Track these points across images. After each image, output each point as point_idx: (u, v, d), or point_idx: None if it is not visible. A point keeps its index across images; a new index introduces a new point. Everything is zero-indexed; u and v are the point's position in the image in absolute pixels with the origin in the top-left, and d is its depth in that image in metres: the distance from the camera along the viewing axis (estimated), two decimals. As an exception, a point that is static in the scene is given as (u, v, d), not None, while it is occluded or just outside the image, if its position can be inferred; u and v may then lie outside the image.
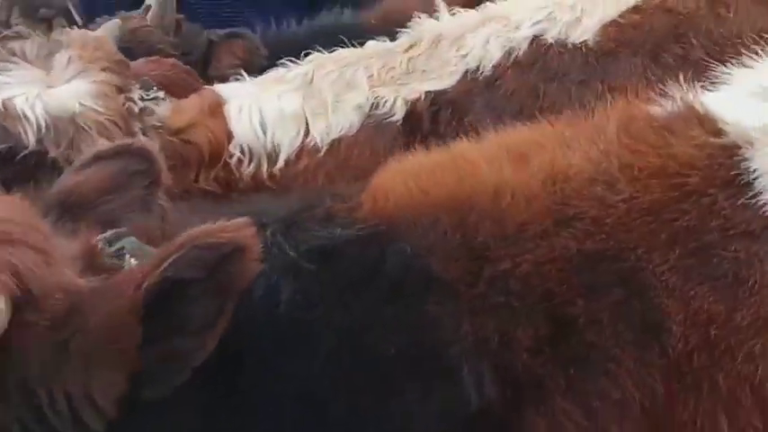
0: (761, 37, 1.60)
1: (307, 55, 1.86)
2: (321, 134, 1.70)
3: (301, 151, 1.71)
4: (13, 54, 1.54)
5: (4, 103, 1.42)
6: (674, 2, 1.65)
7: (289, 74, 1.79)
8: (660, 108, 0.93)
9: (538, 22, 1.68)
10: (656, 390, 0.81)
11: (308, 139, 1.71)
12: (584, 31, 1.65)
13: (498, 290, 0.83)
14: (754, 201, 0.85)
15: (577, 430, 0.81)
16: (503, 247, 0.84)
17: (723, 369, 0.82)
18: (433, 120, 1.67)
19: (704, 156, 0.88)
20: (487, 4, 1.82)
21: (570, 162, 0.88)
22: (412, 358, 0.83)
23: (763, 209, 0.84)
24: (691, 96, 0.94)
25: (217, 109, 1.73)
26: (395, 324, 0.83)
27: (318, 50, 1.85)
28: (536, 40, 1.67)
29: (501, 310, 0.82)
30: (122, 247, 0.82)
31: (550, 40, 1.65)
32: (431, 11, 1.88)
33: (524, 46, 1.66)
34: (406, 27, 1.85)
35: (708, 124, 0.90)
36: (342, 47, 1.85)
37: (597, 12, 1.67)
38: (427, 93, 1.68)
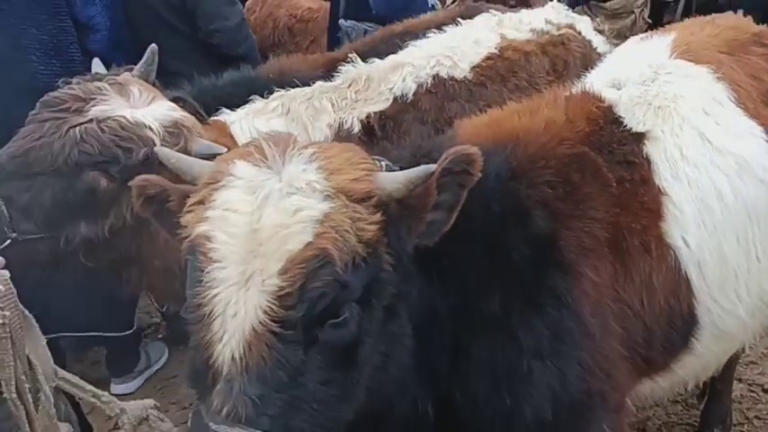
0: (547, 73, 2.78)
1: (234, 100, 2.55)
2: (305, 146, 2.41)
3: (292, 160, 2.40)
4: (99, 90, 2.00)
5: (132, 117, 1.91)
6: (508, 53, 2.74)
7: (268, 106, 2.47)
8: (576, 89, 1.94)
9: (433, 66, 2.63)
10: (612, 211, 1.76)
11: (296, 151, 2.40)
12: (462, 71, 2.66)
13: (540, 173, 1.71)
14: (625, 127, 1.88)
15: (586, 235, 1.72)
16: (539, 154, 1.73)
17: (632, 200, 1.81)
18: (381, 130, 2.49)
19: (601, 110, 1.89)
20: (390, 56, 2.72)
21: (553, 115, 1.82)
22: (509, 209, 1.67)
23: (630, 130, 1.87)
24: (584, 85, 1.96)
25: (226, 130, 2.34)
26: (499, 193, 1.67)
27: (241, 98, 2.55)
28: (436, 76, 2.61)
29: (544, 182, 1.71)
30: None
31: (445, 76, 2.61)
32: (314, 68, 2.71)
33: (429, 80, 2.60)
34: (296, 80, 2.64)
35: (596, 96, 1.92)
36: (256, 93, 2.57)
37: (466, 59, 2.69)
38: (374, 113, 2.51)
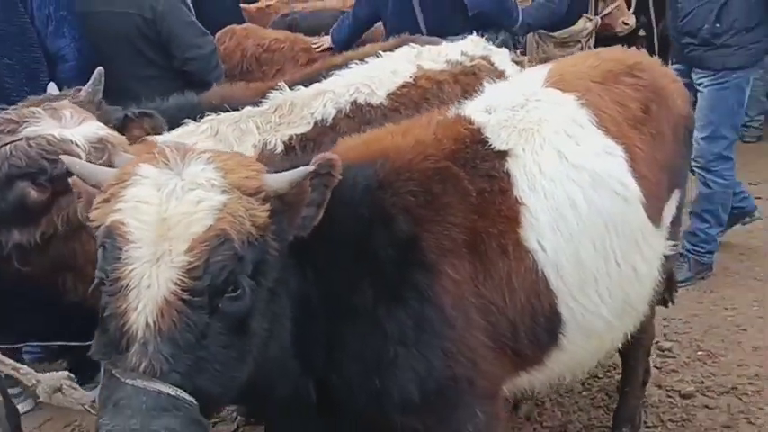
0: (457, 98, 3.03)
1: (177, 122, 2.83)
2: (231, 164, 2.68)
3: (220, 179, 2.66)
4: (32, 114, 2.28)
5: (60, 135, 2.17)
6: (422, 82, 3.03)
7: (199, 128, 2.75)
8: (450, 113, 2.21)
9: (352, 93, 2.92)
10: (470, 217, 2.02)
11: (224, 170, 2.68)
12: (379, 98, 2.94)
13: (404, 184, 1.98)
14: (490, 146, 2.15)
15: (445, 238, 1.98)
16: (404, 167, 2.00)
17: (491, 208, 2.07)
18: (302, 150, 2.76)
19: (470, 131, 2.16)
20: (314, 84, 3.01)
21: (422, 135, 2.10)
22: (376, 215, 1.93)
23: (494, 149, 2.14)
24: (458, 110, 2.24)
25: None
26: (367, 201, 1.93)
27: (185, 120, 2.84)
28: (354, 102, 2.90)
29: (407, 192, 1.97)
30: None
31: (362, 103, 2.90)
32: (254, 96, 3.00)
33: (348, 106, 2.88)
34: (235, 107, 2.92)
35: (468, 120, 2.20)
36: (195, 118, 2.85)
37: (383, 87, 2.98)
38: (296, 135, 2.79)
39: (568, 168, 2.18)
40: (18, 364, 1.88)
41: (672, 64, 4.61)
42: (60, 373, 1.92)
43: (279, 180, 1.68)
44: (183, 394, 1.47)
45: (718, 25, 4.36)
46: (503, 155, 2.15)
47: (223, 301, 1.55)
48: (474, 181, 2.07)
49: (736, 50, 4.39)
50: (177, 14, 3.90)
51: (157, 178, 1.59)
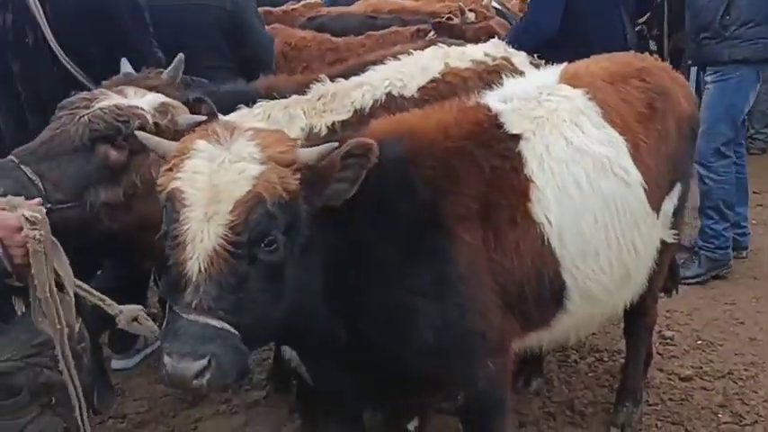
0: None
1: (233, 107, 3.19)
2: (284, 145, 3.02)
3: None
4: (101, 93, 2.66)
5: (128, 103, 2.55)
6: (449, 77, 3.36)
7: (252, 112, 3.11)
8: (470, 101, 2.55)
9: (387, 86, 3.26)
10: (484, 190, 2.34)
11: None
12: (411, 90, 3.28)
13: (426, 158, 2.30)
14: (504, 130, 2.48)
15: (461, 207, 2.30)
16: (427, 144, 2.33)
17: (503, 183, 2.39)
18: (342, 134, 3.10)
19: (488, 117, 2.50)
20: (353, 77, 3.35)
21: (444, 118, 2.43)
22: (400, 185, 2.25)
23: (508, 132, 2.47)
24: (479, 99, 2.57)
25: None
26: (392, 172, 2.22)
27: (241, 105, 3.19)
28: (389, 94, 3.23)
29: (428, 165, 2.29)
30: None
31: (396, 95, 3.24)
32: (296, 86, 3.34)
33: (384, 97, 3.21)
34: (282, 95, 3.26)
35: (485, 106, 2.53)
36: (247, 104, 3.20)
37: (414, 82, 3.31)
38: (338, 121, 3.12)
39: (574, 152, 2.51)
40: (104, 297, 2.23)
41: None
42: (136, 306, 2.27)
43: (309, 153, 2.01)
44: (227, 326, 1.81)
45: (727, 17, 4.69)
46: (516, 138, 2.47)
47: (260, 253, 1.88)
48: (489, 158, 2.39)
49: (741, 42, 4.69)
50: (252, 6, 4.22)
51: (211, 152, 1.92)
